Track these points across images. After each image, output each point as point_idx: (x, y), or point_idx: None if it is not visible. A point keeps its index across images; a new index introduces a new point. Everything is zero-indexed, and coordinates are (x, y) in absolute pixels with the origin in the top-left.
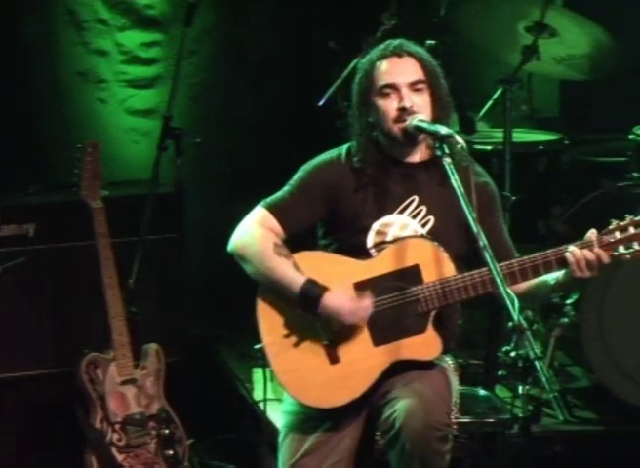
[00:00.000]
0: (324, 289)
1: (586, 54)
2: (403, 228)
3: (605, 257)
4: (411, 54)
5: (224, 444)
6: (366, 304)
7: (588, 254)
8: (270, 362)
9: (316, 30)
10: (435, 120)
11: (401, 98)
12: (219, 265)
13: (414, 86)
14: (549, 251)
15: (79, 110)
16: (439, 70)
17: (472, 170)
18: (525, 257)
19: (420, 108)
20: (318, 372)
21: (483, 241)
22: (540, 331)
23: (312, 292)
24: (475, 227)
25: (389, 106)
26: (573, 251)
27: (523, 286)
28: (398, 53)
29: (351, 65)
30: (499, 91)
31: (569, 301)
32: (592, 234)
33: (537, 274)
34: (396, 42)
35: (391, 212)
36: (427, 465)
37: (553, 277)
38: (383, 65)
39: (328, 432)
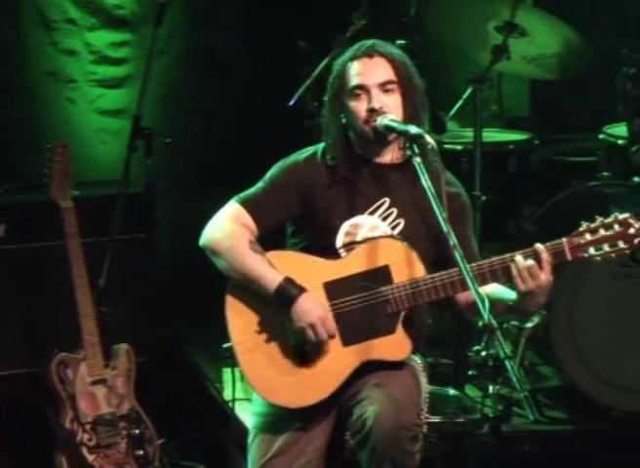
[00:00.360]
0: (302, 289)
1: (556, 53)
2: (373, 230)
3: (548, 263)
4: (382, 54)
5: (195, 444)
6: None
7: (529, 263)
8: (239, 360)
9: (286, 30)
10: (407, 120)
11: (370, 99)
12: (188, 265)
13: (384, 87)
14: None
15: (49, 110)
16: (412, 70)
17: (444, 177)
18: (495, 258)
19: (391, 109)
20: (287, 372)
21: (453, 240)
22: (511, 331)
23: (290, 290)
24: (445, 227)
25: (359, 107)
26: (517, 260)
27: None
28: (369, 53)
29: (322, 65)
30: (469, 90)
31: (528, 324)
32: (538, 245)
33: (507, 273)
34: (369, 42)
35: (362, 212)
36: (398, 465)
37: (511, 297)
38: (354, 66)
39: (297, 432)
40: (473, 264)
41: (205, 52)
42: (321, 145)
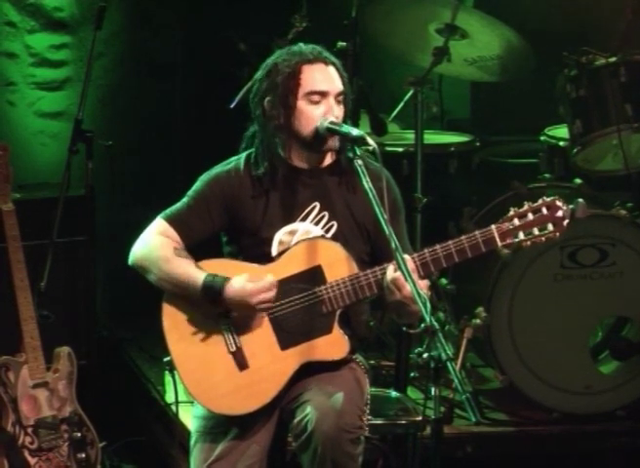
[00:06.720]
0: (226, 278)
1: (497, 55)
2: (306, 235)
3: (414, 273)
4: (334, 64)
5: (136, 446)
6: (269, 281)
7: (394, 275)
8: (179, 372)
9: (225, 31)
10: None
11: (329, 107)
12: (128, 268)
13: (337, 97)
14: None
15: None
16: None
17: (384, 177)
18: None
19: (340, 120)
20: (227, 380)
21: (395, 242)
22: (452, 333)
23: (214, 282)
24: (387, 229)
25: (315, 112)
26: (387, 272)
27: None
28: (324, 60)
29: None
30: (410, 92)
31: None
32: (405, 256)
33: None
34: (317, 48)
35: (294, 220)
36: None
37: None
38: (312, 71)
39: (239, 436)
40: (368, 271)
41: (143, 54)
42: (243, 155)
